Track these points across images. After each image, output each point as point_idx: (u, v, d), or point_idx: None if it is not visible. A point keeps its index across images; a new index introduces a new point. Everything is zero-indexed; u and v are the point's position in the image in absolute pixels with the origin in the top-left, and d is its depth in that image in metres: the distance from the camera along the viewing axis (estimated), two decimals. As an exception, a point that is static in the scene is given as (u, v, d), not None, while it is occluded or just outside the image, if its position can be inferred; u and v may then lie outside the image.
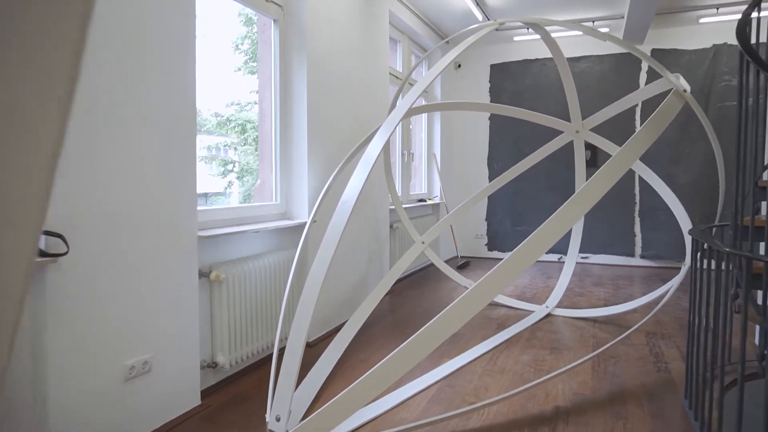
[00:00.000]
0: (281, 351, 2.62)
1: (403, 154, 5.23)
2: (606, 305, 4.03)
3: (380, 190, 4.18)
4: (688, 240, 3.38)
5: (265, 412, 2.17)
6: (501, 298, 4.12)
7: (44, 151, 0.36)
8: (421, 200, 5.60)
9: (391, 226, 4.59)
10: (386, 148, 3.96)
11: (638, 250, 5.84)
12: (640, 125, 5.66)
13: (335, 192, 3.31)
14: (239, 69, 3.80)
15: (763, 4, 2.13)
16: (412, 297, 4.39)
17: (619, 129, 5.54)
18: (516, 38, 6.08)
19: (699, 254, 2.10)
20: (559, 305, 3.95)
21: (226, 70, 3.56)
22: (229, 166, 4.30)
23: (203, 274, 2.38)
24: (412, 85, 5.13)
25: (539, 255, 1.84)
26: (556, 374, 2.32)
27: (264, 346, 2.76)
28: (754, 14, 2.07)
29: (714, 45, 5.39)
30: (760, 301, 2.99)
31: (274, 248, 2.94)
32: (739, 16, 5.08)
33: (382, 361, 1.74)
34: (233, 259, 2.59)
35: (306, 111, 3.12)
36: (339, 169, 2.89)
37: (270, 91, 3.11)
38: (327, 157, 3.35)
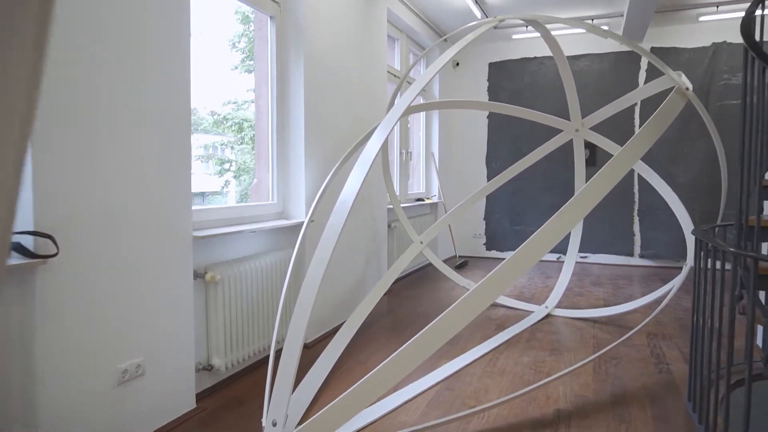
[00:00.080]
0: (278, 353, 2.58)
1: (401, 153, 5.19)
2: (606, 305, 4.00)
3: (378, 189, 4.14)
4: (689, 240, 3.35)
5: (262, 417, 2.13)
6: (500, 298, 4.09)
7: (8, 154, 0.32)
8: (419, 199, 5.56)
9: (389, 226, 4.55)
10: (384, 147, 3.92)
11: (637, 249, 5.81)
12: (639, 124, 5.64)
13: (333, 191, 3.27)
14: (236, 67, 3.76)
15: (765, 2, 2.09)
16: (410, 297, 4.35)
17: (618, 128, 5.52)
18: (515, 36, 6.05)
19: (703, 254, 2.07)
20: (559, 305, 3.92)
21: (222, 69, 3.52)
22: (226, 165, 4.26)
23: (198, 275, 2.33)
24: (410, 83, 5.09)
25: (541, 256, 1.81)
26: (558, 377, 2.28)
27: (260, 348, 2.72)
28: (757, 12, 2.04)
29: (713, 43, 5.36)
30: (763, 302, 2.96)
31: (271, 248, 2.90)
32: (739, 14, 5.03)
33: (382, 363, 1.70)
34: (229, 260, 2.55)
35: (303, 109, 3.08)
36: (336, 168, 2.85)
37: (266, 88, 3.07)
38: (324, 156, 3.31)
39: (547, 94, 6.00)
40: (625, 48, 5.70)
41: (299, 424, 2.11)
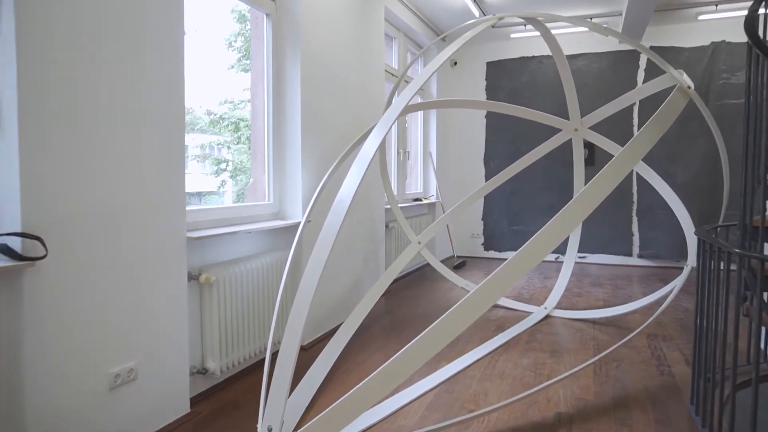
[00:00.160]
0: (274, 355, 2.54)
1: (398, 153, 5.15)
2: (605, 306, 3.97)
3: (376, 189, 4.10)
4: (690, 240, 3.32)
5: (257, 421, 2.08)
6: (499, 299, 4.05)
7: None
8: (417, 199, 5.53)
9: (386, 226, 4.51)
10: (382, 147, 3.88)
11: (636, 249, 5.79)
12: (638, 123, 5.62)
13: (330, 191, 3.23)
14: (232, 66, 3.71)
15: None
16: (408, 298, 4.31)
17: (616, 127, 5.49)
18: (513, 35, 6.02)
19: (708, 255, 2.04)
20: (558, 306, 3.89)
21: (219, 68, 3.47)
22: (222, 165, 4.21)
23: (193, 277, 2.29)
24: (407, 82, 5.05)
25: (542, 257, 1.77)
26: (558, 380, 2.24)
27: (256, 350, 2.67)
28: (761, 10, 2.01)
29: (712, 42, 5.34)
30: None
31: (267, 249, 2.86)
32: (738, 13, 4.99)
33: (381, 366, 1.66)
34: (224, 261, 2.51)
35: (300, 108, 3.03)
36: (334, 168, 2.80)
37: (262, 87, 3.03)
38: (321, 155, 3.27)
39: (545, 93, 5.97)
40: (623, 47, 5.68)
41: (296, 429, 2.07)
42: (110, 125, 1.80)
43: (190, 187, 2.16)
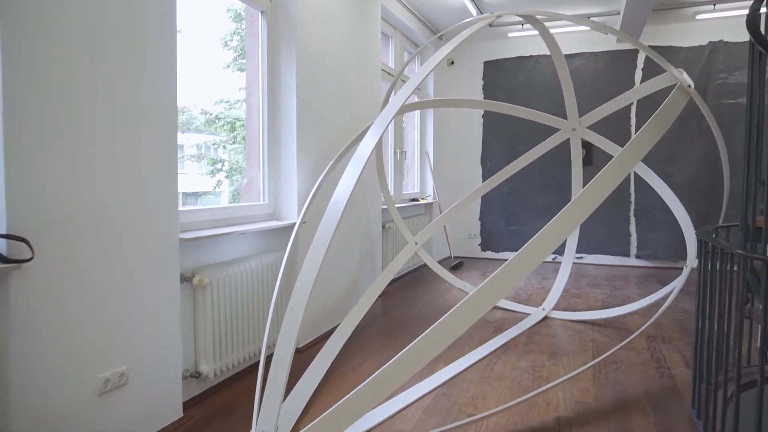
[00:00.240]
0: (269, 358, 2.50)
1: (395, 153, 5.11)
2: (603, 307, 3.94)
3: (372, 189, 4.06)
4: (689, 241, 3.29)
5: (251, 426, 2.04)
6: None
7: None
8: (413, 200, 5.49)
9: (383, 227, 4.48)
10: (378, 147, 3.84)
11: (633, 249, 5.77)
12: (636, 122, 5.60)
13: (326, 191, 3.19)
14: (228, 66, 3.67)
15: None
16: (405, 299, 4.27)
17: (614, 127, 5.47)
18: (510, 34, 5.98)
19: (709, 257, 2.00)
20: (556, 307, 3.86)
21: (214, 68, 3.43)
22: (218, 165, 4.16)
23: (185, 279, 2.24)
24: (404, 81, 5.01)
25: (542, 259, 1.74)
26: (558, 383, 2.21)
27: (251, 353, 2.63)
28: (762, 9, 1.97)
29: (710, 42, 5.32)
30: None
31: (262, 250, 2.81)
32: (736, 12, 4.97)
33: (378, 371, 1.62)
34: (218, 263, 2.47)
35: (295, 107, 2.99)
36: (329, 168, 2.76)
37: (257, 85, 2.98)
38: (317, 155, 3.23)
39: (542, 93, 5.95)
40: (621, 47, 5.66)
41: (290, 433, 2.03)
42: (99, 125, 1.75)
43: (186, 187, 2.12)
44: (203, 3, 3.05)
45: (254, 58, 2.98)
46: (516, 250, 6.04)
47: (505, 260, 5.92)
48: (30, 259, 1.51)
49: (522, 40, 6.02)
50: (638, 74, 5.62)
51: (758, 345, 1.70)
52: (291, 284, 2.95)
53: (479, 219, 6.37)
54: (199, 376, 2.31)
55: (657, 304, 3.65)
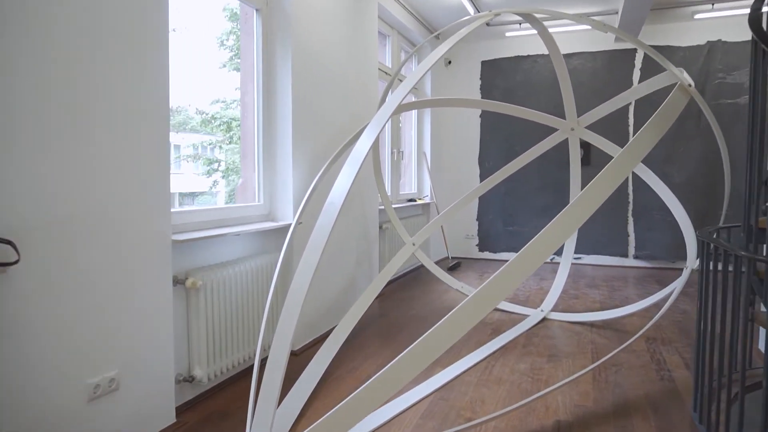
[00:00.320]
0: (264, 361, 2.46)
1: (392, 153, 5.08)
2: (602, 308, 3.91)
3: (369, 189, 4.02)
4: (689, 241, 3.26)
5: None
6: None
7: None
8: (410, 200, 5.45)
9: (380, 227, 4.44)
10: (375, 146, 3.80)
11: (632, 250, 5.74)
12: (634, 122, 5.58)
13: (321, 192, 3.14)
14: (224, 65, 3.63)
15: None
16: (402, 300, 4.24)
17: (612, 127, 5.45)
18: (508, 34, 5.95)
19: (711, 258, 1.97)
20: (555, 309, 3.83)
21: (210, 67, 3.39)
22: (215, 165, 4.12)
23: (178, 281, 2.20)
24: (401, 81, 4.98)
25: (542, 260, 1.70)
26: (558, 386, 2.17)
27: (245, 356, 2.59)
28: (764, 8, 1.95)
29: (708, 41, 5.30)
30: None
31: (257, 252, 2.77)
32: (735, 12, 4.95)
33: (375, 376, 1.58)
34: (212, 264, 2.42)
35: (291, 107, 2.95)
36: (326, 168, 2.72)
37: (252, 85, 2.94)
38: (313, 155, 3.19)
39: (540, 92, 5.92)
40: (619, 46, 5.63)
41: (285, 439, 1.99)
42: (88, 124, 1.71)
43: (182, 187, 2.08)
44: (199, 2, 3.01)
45: (249, 57, 2.94)
46: (514, 251, 6.02)
47: (503, 261, 5.88)
48: (16, 262, 1.47)
49: (519, 40, 5.99)
50: (636, 74, 5.60)
51: (760, 347, 1.68)
52: (286, 286, 2.91)
53: (477, 219, 6.34)
54: (193, 380, 2.27)
55: (656, 305, 3.62)
